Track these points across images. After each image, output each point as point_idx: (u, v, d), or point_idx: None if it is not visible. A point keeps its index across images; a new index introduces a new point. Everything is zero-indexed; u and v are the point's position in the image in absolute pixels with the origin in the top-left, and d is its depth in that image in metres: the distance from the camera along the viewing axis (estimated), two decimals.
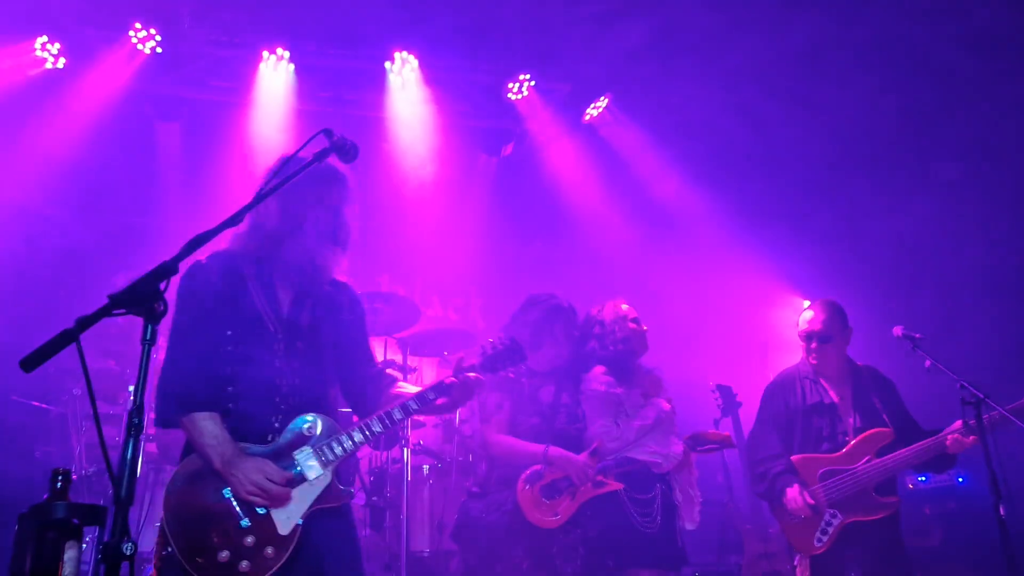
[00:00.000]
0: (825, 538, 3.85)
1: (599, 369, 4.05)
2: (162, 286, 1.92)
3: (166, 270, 1.93)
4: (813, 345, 4.13)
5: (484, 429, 3.93)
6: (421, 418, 6.10)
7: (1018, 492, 4.01)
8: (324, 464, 2.53)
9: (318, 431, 2.55)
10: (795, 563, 3.95)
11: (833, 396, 4.13)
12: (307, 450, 2.52)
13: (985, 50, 4.98)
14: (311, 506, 2.48)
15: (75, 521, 1.62)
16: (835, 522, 3.86)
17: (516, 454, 3.81)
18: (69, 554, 1.61)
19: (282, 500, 2.43)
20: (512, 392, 3.95)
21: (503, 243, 7.90)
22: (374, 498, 5.72)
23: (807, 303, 6.54)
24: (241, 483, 2.39)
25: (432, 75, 6.30)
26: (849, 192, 6.12)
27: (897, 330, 4.03)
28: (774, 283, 6.56)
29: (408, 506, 5.27)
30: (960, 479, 6.22)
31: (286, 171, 2.45)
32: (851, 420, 4.06)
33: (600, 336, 4.09)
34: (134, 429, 1.78)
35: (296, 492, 2.47)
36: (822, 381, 4.17)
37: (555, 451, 3.73)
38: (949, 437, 3.82)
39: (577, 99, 6.61)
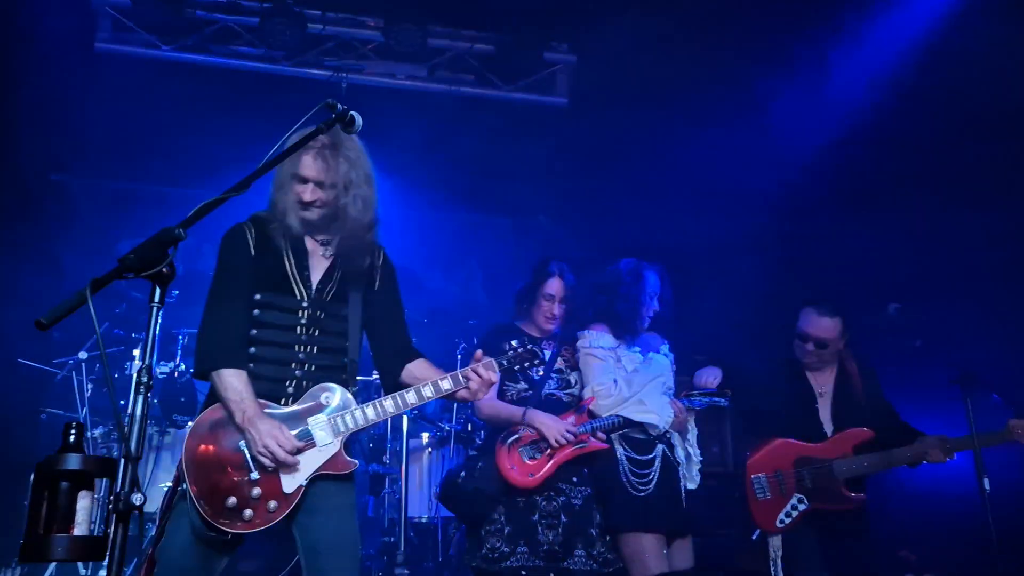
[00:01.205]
0: (788, 520, 3.96)
1: (598, 327, 4.03)
2: (171, 251, 1.98)
3: (173, 236, 1.99)
4: (809, 347, 4.15)
5: None
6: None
7: (1003, 467, 4.10)
8: (335, 434, 2.67)
9: (334, 402, 2.70)
10: (754, 537, 4.05)
11: (815, 389, 4.19)
12: (321, 418, 2.67)
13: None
14: (316, 471, 2.64)
15: (87, 472, 1.71)
16: (801, 507, 3.96)
17: (498, 417, 3.86)
18: (82, 504, 1.70)
19: (286, 466, 2.58)
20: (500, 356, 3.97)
21: (506, 216, 7.94)
22: (373, 465, 5.84)
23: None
24: (255, 441, 2.55)
25: (435, 45, 6.29)
26: (861, 171, 6.14)
27: (891, 307, 4.10)
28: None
29: (406, 473, 5.39)
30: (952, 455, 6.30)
31: (290, 141, 2.51)
32: (830, 414, 4.13)
33: (619, 292, 4.02)
34: (142, 387, 1.86)
35: (304, 456, 2.62)
36: (806, 373, 4.24)
37: (532, 413, 3.77)
38: (931, 452, 3.90)
39: (582, 71, 6.59)
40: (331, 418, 2.67)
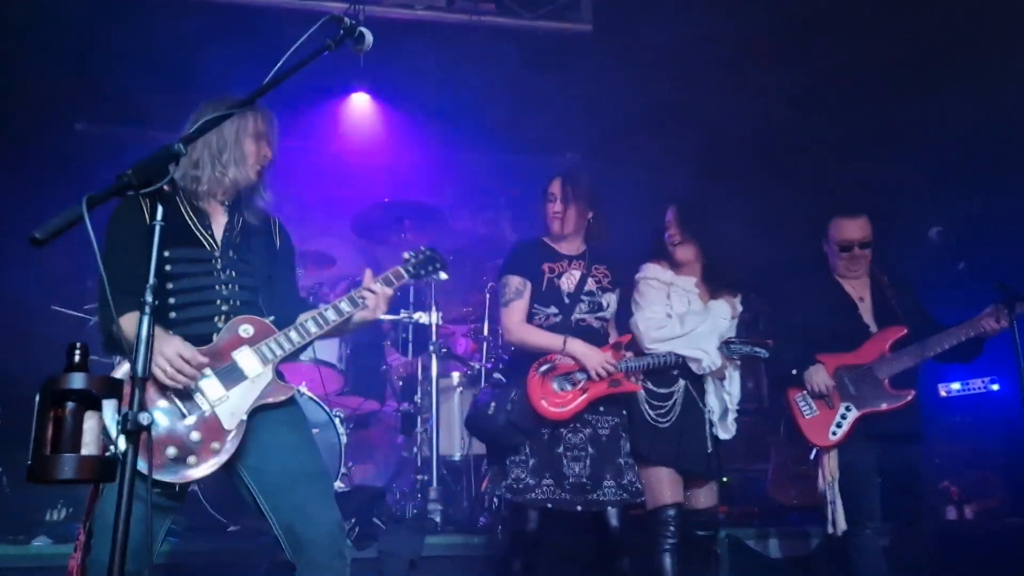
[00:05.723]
0: (839, 431, 3.89)
1: (660, 261, 3.96)
2: (171, 167, 1.91)
3: (173, 152, 1.92)
4: (850, 253, 4.12)
5: (503, 313, 3.80)
6: (450, 327, 6.16)
7: None
8: (264, 362, 2.64)
9: (253, 332, 2.66)
10: (813, 458, 3.99)
11: (853, 297, 4.17)
12: (245, 350, 2.62)
13: None
14: (254, 403, 2.59)
15: (92, 392, 1.67)
16: (849, 415, 3.90)
17: (533, 343, 3.69)
18: (89, 424, 1.67)
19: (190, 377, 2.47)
20: (533, 277, 3.78)
21: (533, 154, 7.78)
22: (404, 404, 5.85)
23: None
24: (162, 367, 2.42)
25: None
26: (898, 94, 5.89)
27: (932, 231, 3.95)
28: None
29: (437, 412, 5.39)
30: (996, 387, 6.15)
31: (292, 61, 2.40)
32: (872, 318, 4.11)
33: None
34: (147, 307, 1.82)
35: (238, 390, 2.57)
36: (843, 283, 4.20)
37: (573, 342, 3.62)
38: (985, 321, 3.79)
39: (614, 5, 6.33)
40: (256, 348, 2.64)
